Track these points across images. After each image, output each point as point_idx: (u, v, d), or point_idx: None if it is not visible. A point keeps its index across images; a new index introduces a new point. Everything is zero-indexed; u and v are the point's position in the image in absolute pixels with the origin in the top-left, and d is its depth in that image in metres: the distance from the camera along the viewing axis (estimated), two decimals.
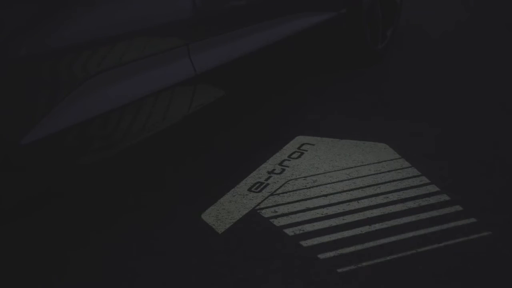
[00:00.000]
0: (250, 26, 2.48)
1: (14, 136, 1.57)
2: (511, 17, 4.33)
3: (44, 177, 1.74)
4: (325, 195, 2.09)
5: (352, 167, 2.27)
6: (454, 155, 2.34)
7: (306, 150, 2.42)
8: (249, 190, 2.15)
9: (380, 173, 2.22)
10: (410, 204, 2.02)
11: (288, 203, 2.06)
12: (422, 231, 1.88)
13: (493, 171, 2.21)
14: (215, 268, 1.76)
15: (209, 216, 2.00)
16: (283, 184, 2.17)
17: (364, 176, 2.21)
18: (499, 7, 4.58)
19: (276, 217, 1.98)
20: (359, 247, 1.82)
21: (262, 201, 2.07)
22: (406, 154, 2.35)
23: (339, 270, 1.72)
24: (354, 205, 2.03)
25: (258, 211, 2.02)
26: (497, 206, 1.99)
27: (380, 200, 2.05)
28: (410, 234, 1.86)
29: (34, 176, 1.70)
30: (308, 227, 1.92)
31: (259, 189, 2.15)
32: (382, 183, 2.16)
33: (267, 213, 2.00)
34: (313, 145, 2.47)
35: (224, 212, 2.02)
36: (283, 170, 2.28)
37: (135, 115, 1.93)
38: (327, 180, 2.19)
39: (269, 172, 2.26)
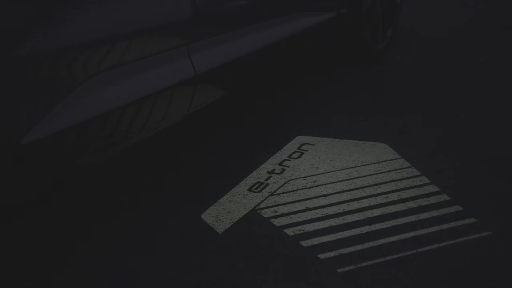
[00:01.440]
0: (250, 26, 2.48)
1: (15, 135, 1.57)
2: (510, 17, 4.33)
3: (45, 176, 1.74)
4: (325, 195, 2.09)
5: (352, 167, 2.27)
6: (454, 155, 2.34)
7: (306, 150, 2.42)
8: (249, 190, 2.15)
9: (380, 173, 2.22)
10: (410, 204, 2.02)
11: (288, 203, 2.06)
12: (422, 231, 1.88)
13: (493, 171, 2.21)
14: (215, 268, 1.76)
15: (209, 216, 2.00)
16: (283, 184, 2.17)
17: (364, 176, 2.21)
18: (500, 7, 4.58)
19: (276, 217, 1.98)
20: (359, 247, 1.82)
21: (262, 201, 2.07)
22: (406, 154, 2.35)
23: (339, 270, 1.72)
24: (354, 205, 2.03)
25: (258, 211, 2.02)
26: (497, 206, 1.99)
27: (380, 200, 2.05)
28: (410, 234, 1.86)
29: (35, 176, 1.70)
30: (308, 227, 1.92)
31: (259, 189, 2.15)
32: (382, 183, 2.15)
33: (267, 213, 2.00)
34: (313, 145, 2.47)
35: (224, 212, 2.02)
36: (283, 170, 2.27)
37: (135, 115, 1.93)
38: (327, 180, 2.19)
39: (269, 172, 2.26)
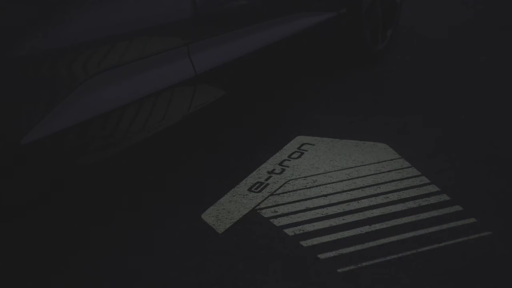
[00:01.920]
0: (250, 26, 2.48)
1: (15, 136, 1.57)
2: (510, 17, 4.33)
3: (45, 176, 1.74)
4: (325, 195, 2.09)
5: (352, 167, 2.27)
6: (454, 155, 2.34)
7: (306, 150, 2.42)
8: (249, 190, 2.15)
9: (380, 173, 2.22)
10: (410, 204, 2.02)
11: (288, 203, 2.06)
12: (422, 231, 1.88)
13: (493, 171, 2.21)
14: (215, 268, 1.76)
15: (209, 216, 2.00)
16: (283, 184, 2.17)
17: (364, 176, 2.21)
18: (500, 7, 4.58)
19: (276, 217, 1.98)
20: (359, 247, 1.82)
21: (262, 201, 2.07)
22: (406, 154, 2.35)
23: (339, 270, 1.72)
24: (354, 205, 2.03)
25: (258, 211, 2.02)
26: (497, 206, 1.99)
27: (380, 200, 2.05)
28: (410, 234, 1.86)
29: (35, 176, 1.70)
30: (308, 227, 1.92)
31: (259, 189, 2.15)
32: (382, 183, 2.15)
33: (267, 213, 2.00)
34: (313, 145, 2.47)
35: (224, 212, 2.02)
36: (283, 170, 2.27)
37: (135, 115, 1.93)
38: (327, 180, 2.19)
39: (269, 172, 2.26)
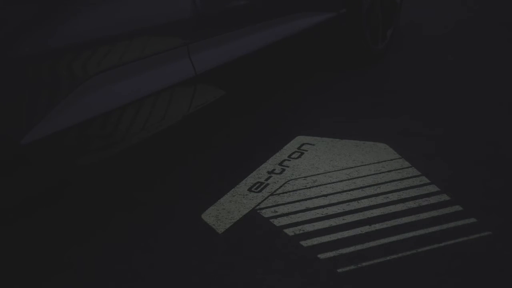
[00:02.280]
0: (250, 26, 2.48)
1: (15, 136, 1.57)
2: (510, 17, 4.33)
3: (45, 176, 1.74)
4: (325, 195, 2.09)
5: (352, 167, 2.27)
6: (454, 155, 2.34)
7: (306, 150, 2.42)
8: (249, 190, 2.15)
9: (380, 173, 2.22)
10: (410, 204, 2.02)
11: (288, 203, 2.06)
12: (422, 231, 1.88)
13: (493, 171, 2.21)
14: (215, 268, 1.76)
15: (209, 216, 2.00)
16: (283, 184, 2.17)
17: (364, 176, 2.21)
18: (499, 6, 4.58)
19: (276, 217, 1.98)
20: (359, 247, 1.82)
21: (262, 201, 2.07)
22: (406, 154, 2.35)
23: (339, 270, 1.72)
24: (354, 205, 2.03)
25: (258, 211, 2.02)
26: (497, 206, 1.99)
27: (380, 200, 2.05)
28: (410, 234, 1.86)
29: (35, 176, 1.70)
30: (308, 227, 1.92)
31: (259, 189, 2.15)
32: (382, 183, 2.15)
33: (267, 213, 2.00)
34: (313, 145, 2.47)
35: (224, 212, 2.02)
36: (283, 170, 2.27)
37: (135, 115, 1.93)
38: (327, 180, 2.19)
39: (269, 172, 2.26)
